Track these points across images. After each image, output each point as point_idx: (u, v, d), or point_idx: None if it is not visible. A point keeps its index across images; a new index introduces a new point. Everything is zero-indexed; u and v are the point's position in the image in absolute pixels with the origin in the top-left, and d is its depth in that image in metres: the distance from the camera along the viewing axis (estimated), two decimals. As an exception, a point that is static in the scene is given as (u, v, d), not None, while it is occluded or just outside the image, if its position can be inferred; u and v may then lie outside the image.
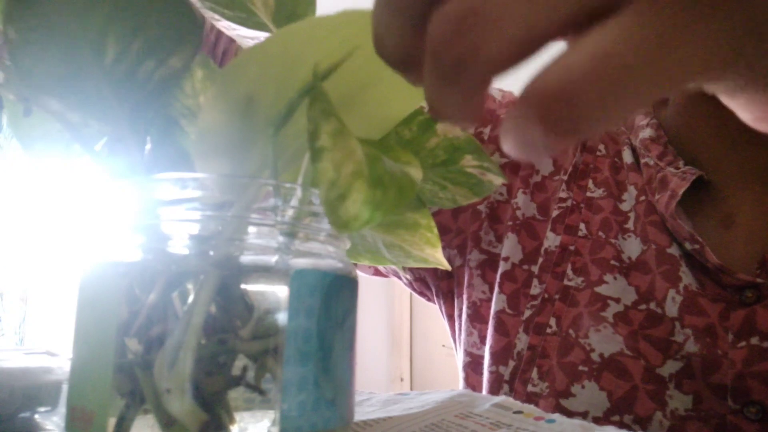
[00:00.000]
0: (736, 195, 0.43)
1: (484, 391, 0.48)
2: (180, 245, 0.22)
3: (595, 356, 0.41)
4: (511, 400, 0.33)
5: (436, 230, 0.31)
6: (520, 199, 0.49)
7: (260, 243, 0.22)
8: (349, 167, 0.19)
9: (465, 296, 0.51)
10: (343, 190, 0.19)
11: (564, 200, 0.47)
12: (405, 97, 0.26)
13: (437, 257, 0.31)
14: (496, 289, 0.48)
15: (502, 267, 0.48)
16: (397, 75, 0.20)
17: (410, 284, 0.57)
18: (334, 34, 0.22)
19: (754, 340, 0.38)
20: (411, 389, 2.41)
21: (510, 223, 0.49)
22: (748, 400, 0.37)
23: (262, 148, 0.24)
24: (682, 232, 0.41)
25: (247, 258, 0.21)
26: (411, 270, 0.55)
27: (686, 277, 0.41)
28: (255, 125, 0.23)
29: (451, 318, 0.55)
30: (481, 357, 0.50)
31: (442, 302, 0.55)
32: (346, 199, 0.19)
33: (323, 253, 0.23)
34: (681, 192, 0.41)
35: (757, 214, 0.42)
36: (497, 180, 0.30)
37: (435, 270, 0.53)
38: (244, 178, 0.23)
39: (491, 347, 0.47)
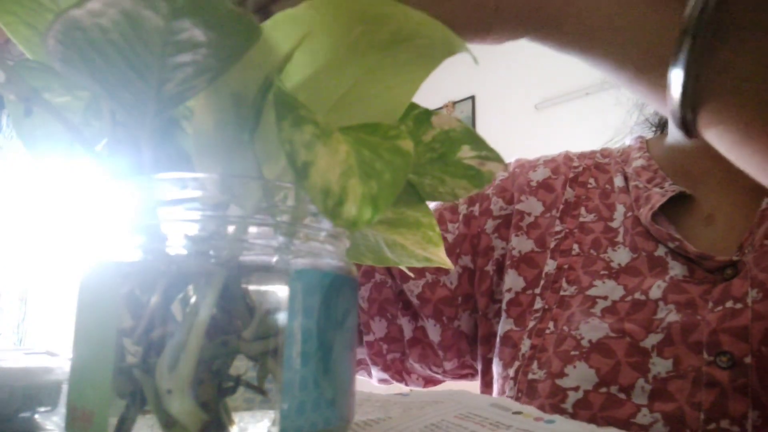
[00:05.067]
0: (718, 199, 0.51)
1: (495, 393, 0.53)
2: (180, 245, 0.22)
3: (584, 342, 0.46)
4: (510, 400, 0.33)
5: (438, 229, 0.30)
6: (514, 241, 0.56)
7: (260, 243, 0.22)
8: (336, 170, 0.19)
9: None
10: (338, 196, 0.19)
11: (559, 232, 0.55)
12: (397, 91, 0.25)
13: (440, 256, 0.31)
14: (503, 315, 0.54)
15: (506, 297, 0.54)
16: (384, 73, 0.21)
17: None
18: (297, 26, 0.22)
19: (729, 304, 0.43)
20: (411, 389, 2.40)
21: (508, 262, 0.55)
22: (719, 350, 0.42)
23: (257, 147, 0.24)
24: (662, 234, 0.49)
25: (247, 258, 0.21)
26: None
27: (673, 270, 0.47)
28: (246, 125, 0.23)
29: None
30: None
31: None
32: (344, 204, 0.19)
33: (323, 253, 0.23)
34: (659, 204, 0.50)
35: (735, 212, 0.50)
36: (497, 168, 0.30)
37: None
38: (243, 178, 0.23)
39: (500, 358, 0.53)
